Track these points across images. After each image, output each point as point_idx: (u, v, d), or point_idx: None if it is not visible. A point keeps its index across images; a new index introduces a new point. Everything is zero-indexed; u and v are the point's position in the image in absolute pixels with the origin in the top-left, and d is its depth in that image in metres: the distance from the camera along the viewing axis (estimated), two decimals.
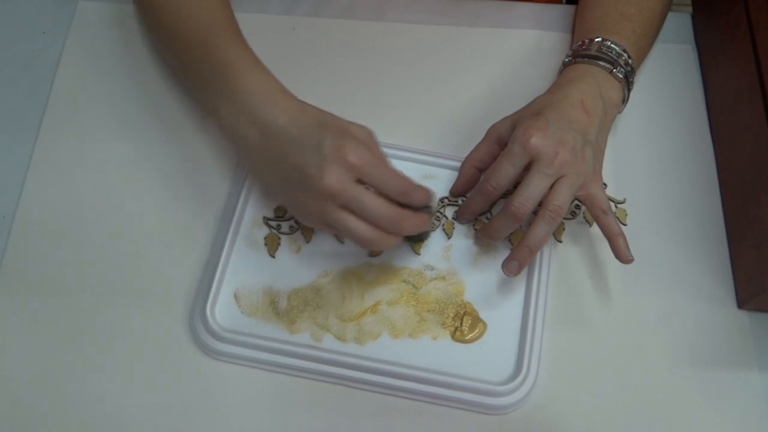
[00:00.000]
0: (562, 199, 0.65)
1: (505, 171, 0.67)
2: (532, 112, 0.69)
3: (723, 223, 0.77)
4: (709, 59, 0.85)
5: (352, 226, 0.63)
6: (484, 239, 0.73)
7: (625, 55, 0.73)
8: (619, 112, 0.76)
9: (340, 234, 0.68)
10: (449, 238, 0.74)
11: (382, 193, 0.63)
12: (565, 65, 0.75)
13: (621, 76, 0.72)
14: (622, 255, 0.69)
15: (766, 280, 0.68)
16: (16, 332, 0.69)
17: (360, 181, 0.62)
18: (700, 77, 0.85)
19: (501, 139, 0.71)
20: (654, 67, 0.84)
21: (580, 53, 0.74)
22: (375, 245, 0.64)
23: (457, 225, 0.74)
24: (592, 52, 0.73)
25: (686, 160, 0.80)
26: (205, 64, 0.69)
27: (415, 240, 0.72)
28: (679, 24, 0.89)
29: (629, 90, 0.74)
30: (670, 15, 0.86)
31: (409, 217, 0.64)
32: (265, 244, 0.72)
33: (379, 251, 0.72)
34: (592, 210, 0.69)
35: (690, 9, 0.91)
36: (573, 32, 0.85)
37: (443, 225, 0.74)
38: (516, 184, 0.68)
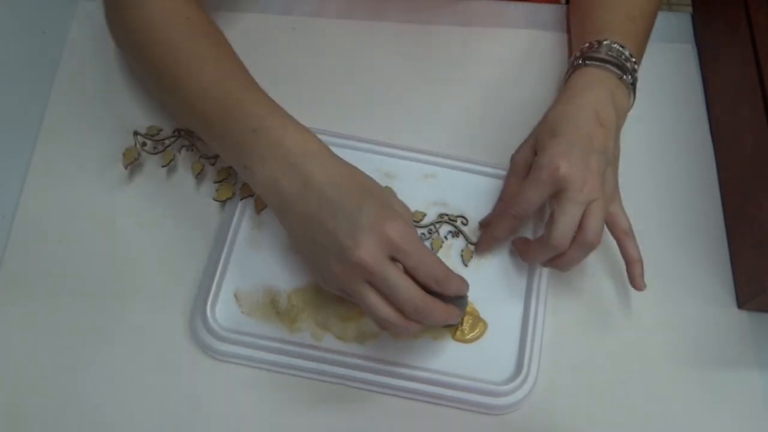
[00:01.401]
0: (598, 226, 0.65)
1: (532, 199, 0.66)
2: (551, 133, 0.67)
3: (723, 223, 0.77)
4: (709, 59, 0.85)
5: (376, 307, 0.59)
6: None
7: (633, 60, 0.72)
8: None
9: (359, 305, 0.61)
10: (466, 266, 0.73)
11: (413, 275, 0.59)
12: (573, 68, 0.73)
13: (630, 82, 0.71)
14: (637, 282, 0.69)
15: (766, 280, 0.69)
16: (16, 332, 0.68)
17: (393, 259, 0.59)
18: (700, 77, 0.86)
19: (526, 167, 0.69)
20: (654, 67, 0.84)
21: (589, 55, 0.72)
22: (393, 329, 0.60)
23: (446, 246, 0.74)
24: (602, 55, 0.71)
25: (686, 160, 0.80)
26: (229, 117, 0.65)
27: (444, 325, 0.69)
28: (679, 24, 0.89)
29: (635, 96, 0.74)
30: (670, 15, 0.86)
31: (438, 308, 0.59)
32: (123, 155, 0.73)
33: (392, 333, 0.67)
34: (613, 231, 0.69)
35: (690, 9, 0.91)
36: (569, 29, 0.85)
37: (462, 253, 0.73)
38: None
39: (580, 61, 0.72)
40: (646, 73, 0.81)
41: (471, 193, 0.75)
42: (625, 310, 0.72)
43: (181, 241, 0.73)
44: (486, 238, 0.73)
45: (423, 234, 0.73)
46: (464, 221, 0.74)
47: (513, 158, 0.72)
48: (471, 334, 0.69)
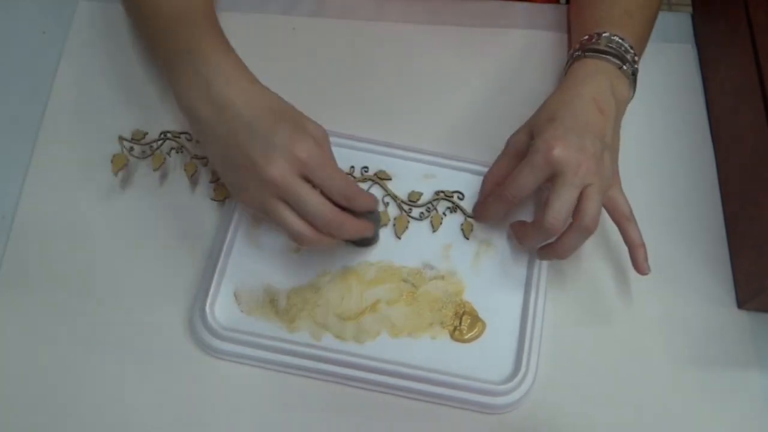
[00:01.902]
0: (594, 210, 0.65)
1: (527, 181, 0.66)
2: (548, 118, 0.67)
3: (723, 223, 0.77)
4: (709, 59, 0.85)
5: (288, 220, 0.63)
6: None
7: (632, 51, 0.72)
8: None
9: (275, 223, 0.66)
10: (468, 239, 0.74)
11: (325, 194, 0.63)
12: (573, 59, 0.74)
13: (630, 72, 0.72)
14: (641, 266, 0.69)
15: (766, 280, 0.69)
16: (15, 332, 0.69)
17: (305, 179, 0.62)
18: (700, 77, 0.85)
19: (519, 151, 0.70)
20: (654, 67, 0.84)
21: (589, 47, 0.72)
22: (306, 243, 0.64)
23: (446, 222, 0.74)
24: (601, 47, 0.72)
25: (686, 160, 0.80)
26: (174, 44, 0.69)
27: (360, 244, 0.72)
28: (679, 24, 0.89)
29: (635, 87, 0.74)
30: (670, 15, 0.86)
31: (348, 221, 0.64)
32: (112, 162, 0.72)
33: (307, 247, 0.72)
34: (613, 215, 0.70)
35: (690, 9, 0.91)
36: (569, 28, 0.85)
37: (462, 227, 0.74)
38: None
39: (580, 53, 0.73)
40: (646, 73, 0.81)
41: (471, 193, 0.75)
42: (624, 309, 0.72)
43: (181, 239, 0.73)
44: (481, 214, 0.73)
45: (422, 213, 0.74)
46: (461, 196, 0.75)
47: (508, 140, 0.72)
48: (469, 334, 0.69)
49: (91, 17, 0.85)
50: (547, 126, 0.66)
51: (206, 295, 0.68)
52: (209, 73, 0.65)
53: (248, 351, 0.67)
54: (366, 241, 0.71)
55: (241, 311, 0.69)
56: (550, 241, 0.68)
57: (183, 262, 0.72)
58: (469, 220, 0.74)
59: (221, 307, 0.69)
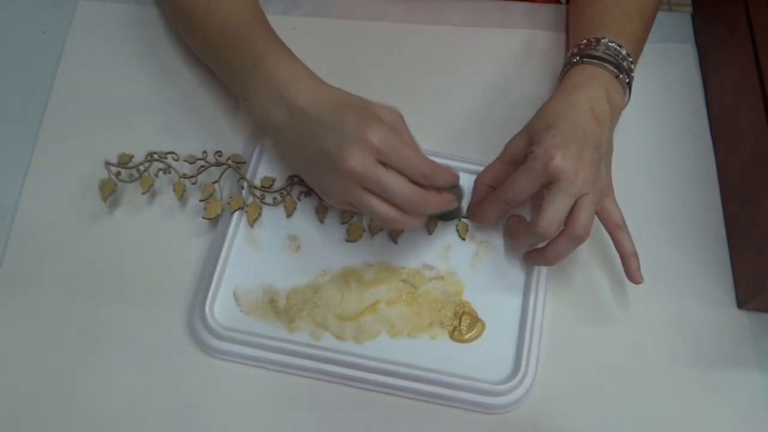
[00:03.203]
0: (587, 219, 0.65)
1: (524, 186, 0.67)
2: (546, 125, 0.68)
3: (723, 223, 0.77)
4: (709, 59, 0.85)
5: (376, 208, 0.63)
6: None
7: (629, 59, 0.73)
8: None
9: (364, 213, 0.69)
10: (464, 239, 0.74)
11: (405, 175, 0.64)
12: (571, 65, 0.74)
13: (625, 81, 0.72)
14: (634, 276, 0.69)
15: (766, 280, 0.68)
16: (15, 332, 0.69)
17: (383, 164, 0.63)
18: (700, 77, 0.85)
19: (515, 156, 0.70)
20: (654, 67, 0.84)
21: (587, 53, 0.72)
22: (398, 225, 0.65)
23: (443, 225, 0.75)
24: (600, 54, 0.72)
25: (686, 160, 0.80)
26: (235, 54, 0.71)
27: (446, 218, 0.73)
28: (679, 24, 0.89)
29: (629, 96, 0.74)
30: (670, 15, 0.86)
31: (431, 198, 0.65)
32: (99, 188, 0.72)
33: (401, 231, 0.74)
34: (606, 224, 0.70)
35: (690, 9, 0.90)
36: (568, 28, 0.85)
37: (457, 227, 0.74)
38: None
39: (578, 58, 0.73)
40: (646, 73, 0.81)
41: (471, 192, 0.75)
42: (624, 309, 0.72)
43: (181, 239, 0.73)
44: (476, 216, 0.73)
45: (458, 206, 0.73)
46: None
47: (507, 145, 0.72)
48: (469, 334, 0.69)
49: (91, 17, 0.85)
50: (546, 134, 0.66)
51: (206, 295, 0.68)
52: (278, 84, 0.67)
53: (248, 351, 0.67)
54: (451, 215, 0.73)
55: (241, 311, 0.69)
56: (538, 246, 0.69)
57: (183, 261, 0.72)
58: (464, 221, 0.74)
59: (221, 307, 0.69)
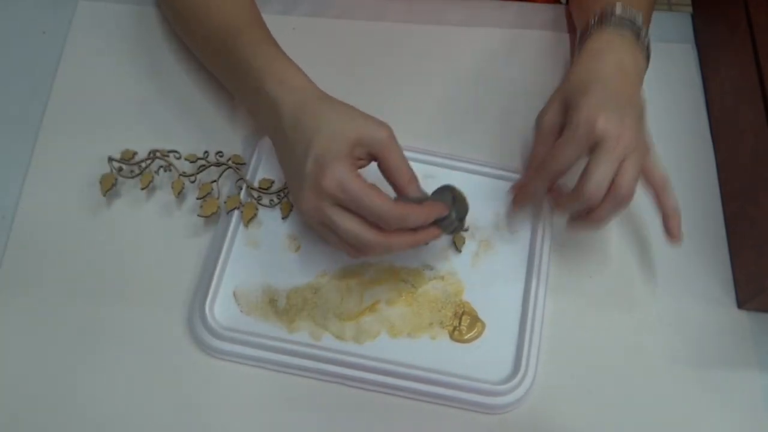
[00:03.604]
0: (632, 181, 0.65)
1: (569, 156, 0.66)
2: (580, 90, 0.67)
3: (723, 223, 0.77)
4: (709, 59, 0.85)
5: (333, 244, 0.65)
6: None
7: (644, 26, 0.73)
8: None
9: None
10: (460, 251, 0.73)
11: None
12: (591, 30, 0.73)
13: (645, 43, 0.72)
14: (675, 234, 0.69)
15: (766, 280, 0.68)
16: (15, 331, 0.69)
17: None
18: (700, 77, 0.85)
19: (554, 128, 0.70)
20: (654, 67, 0.84)
21: (607, 20, 0.72)
22: (362, 257, 0.66)
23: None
24: (617, 17, 0.72)
25: (686, 160, 0.80)
26: (232, 59, 0.70)
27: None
28: (679, 24, 0.89)
29: (649, 59, 0.74)
30: (670, 15, 0.86)
31: (394, 239, 0.63)
32: (100, 182, 0.73)
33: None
34: (649, 184, 0.69)
35: (690, 9, 0.91)
36: (569, 27, 0.86)
37: (453, 239, 0.74)
38: None
39: (596, 25, 0.73)
40: (646, 72, 0.81)
41: (470, 194, 0.74)
42: (624, 309, 0.72)
43: (181, 239, 0.73)
44: (522, 196, 0.73)
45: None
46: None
47: (541, 121, 0.71)
48: (469, 334, 0.69)
49: (91, 17, 0.85)
50: (583, 99, 0.66)
51: (206, 295, 0.68)
52: (269, 90, 0.66)
53: (247, 351, 0.67)
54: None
55: (241, 311, 0.69)
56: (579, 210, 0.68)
57: (183, 261, 0.72)
58: (463, 233, 0.74)
59: (221, 307, 0.69)
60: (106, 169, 0.74)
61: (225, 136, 0.78)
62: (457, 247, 0.73)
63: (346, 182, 0.61)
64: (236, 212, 0.72)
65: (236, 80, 0.72)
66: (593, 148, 0.65)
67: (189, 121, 0.79)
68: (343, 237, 0.63)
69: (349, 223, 0.62)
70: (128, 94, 0.81)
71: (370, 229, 0.62)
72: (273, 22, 0.74)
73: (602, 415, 0.68)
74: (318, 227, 0.64)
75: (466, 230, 0.73)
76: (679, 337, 0.71)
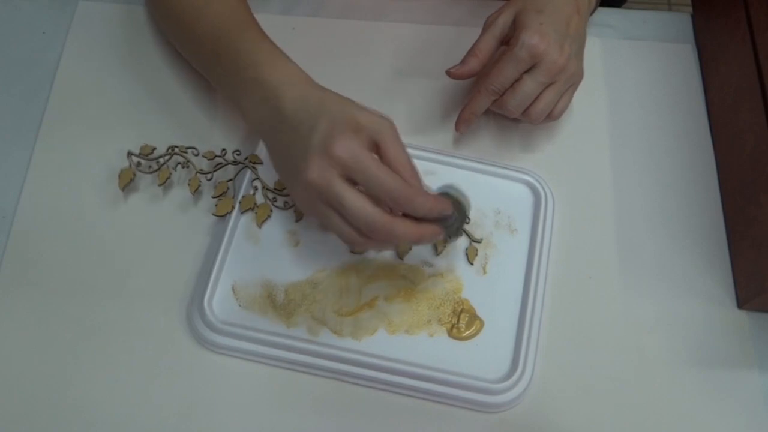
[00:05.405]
0: (547, 107, 0.72)
1: (510, 75, 0.70)
2: (535, 9, 0.71)
3: (723, 223, 0.77)
4: (709, 59, 0.85)
5: (335, 226, 0.62)
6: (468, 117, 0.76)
7: None
8: None
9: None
10: (472, 264, 0.73)
11: (373, 196, 0.60)
12: None
13: None
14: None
15: (766, 280, 0.68)
16: (16, 331, 0.69)
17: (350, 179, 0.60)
18: (700, 77, 0.85)
19: (502, 32, 0.73)
20: (654, 67, 0.84)
21: None
22: (360, 248, 0.64)
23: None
24: None
25: (686, 160, 0.80)
26: (225, 58, 0.70)
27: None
28: (679, 24, 0.89)
29: (597, 4, 0.81)
30: (670, 15, 0.86)
31: (398, 226, 0.60)
32: (119, 176, 0.73)
33: (408, 249, 0.72)
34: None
35: (690, 9, 0.91)
36: None
37: (466, 250, 0.73)
38: None
39: None
40: (646, 73, 0.81)
41: (470, 191, 0.75)
42: (624, 309, 0.72)
43: (180, 234, 0.73)
44: (465, 115, 0.75)
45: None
46: (467, 220, 0.73)
47: (492, 24, 0.74)
48: (467, 332, 0.69)
49: (91, 17, 0.85)
50: (535, 18, 0.70)
51: (204, 290, 0.68)
52: (267, 87, 0.65)
53: (245, 345, 0.67)
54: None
55: (239, 305, 0.69)
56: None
57: (182, 256, 0.72)
58: (474, 245, 0.73)
59: (219, 302, 0.69)
60: (105, 169, 0.74)
61: (225, 136, 0.79)
62: (469, 260, 0.73)
63: (357, 151, 0.59)
64: (238, 207, 0.72)
65: (231, 74, 0.69)
66: (529, 68, 0.70)
67: (189, 122, 0.79)
68: (347, 215, 0.59)
69: (355, 198, 0.59)
70: (128, 94, 0.81)
71: (376, 207, 0.59)
72: (273, 22, 0.75)
73: (600, 414, 0.67)
74: (320, 208, 0.61)
75: (461, 236, 0.72)
76: (679, 337, 0.71)
